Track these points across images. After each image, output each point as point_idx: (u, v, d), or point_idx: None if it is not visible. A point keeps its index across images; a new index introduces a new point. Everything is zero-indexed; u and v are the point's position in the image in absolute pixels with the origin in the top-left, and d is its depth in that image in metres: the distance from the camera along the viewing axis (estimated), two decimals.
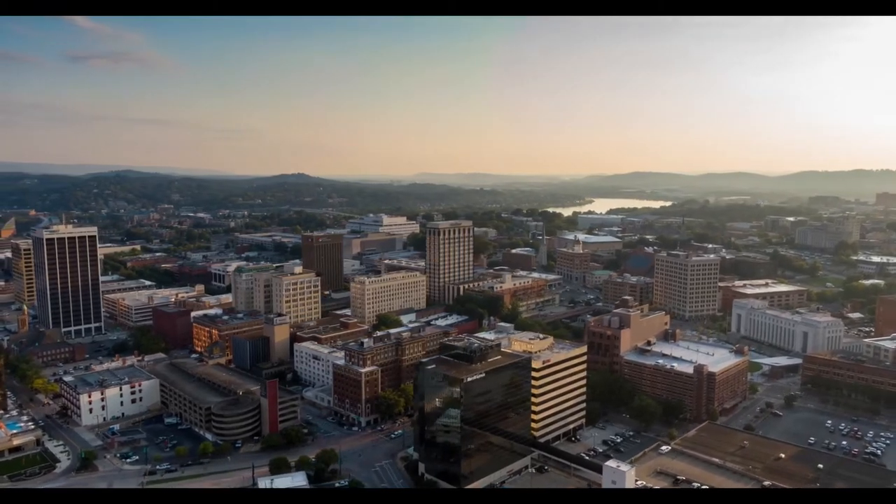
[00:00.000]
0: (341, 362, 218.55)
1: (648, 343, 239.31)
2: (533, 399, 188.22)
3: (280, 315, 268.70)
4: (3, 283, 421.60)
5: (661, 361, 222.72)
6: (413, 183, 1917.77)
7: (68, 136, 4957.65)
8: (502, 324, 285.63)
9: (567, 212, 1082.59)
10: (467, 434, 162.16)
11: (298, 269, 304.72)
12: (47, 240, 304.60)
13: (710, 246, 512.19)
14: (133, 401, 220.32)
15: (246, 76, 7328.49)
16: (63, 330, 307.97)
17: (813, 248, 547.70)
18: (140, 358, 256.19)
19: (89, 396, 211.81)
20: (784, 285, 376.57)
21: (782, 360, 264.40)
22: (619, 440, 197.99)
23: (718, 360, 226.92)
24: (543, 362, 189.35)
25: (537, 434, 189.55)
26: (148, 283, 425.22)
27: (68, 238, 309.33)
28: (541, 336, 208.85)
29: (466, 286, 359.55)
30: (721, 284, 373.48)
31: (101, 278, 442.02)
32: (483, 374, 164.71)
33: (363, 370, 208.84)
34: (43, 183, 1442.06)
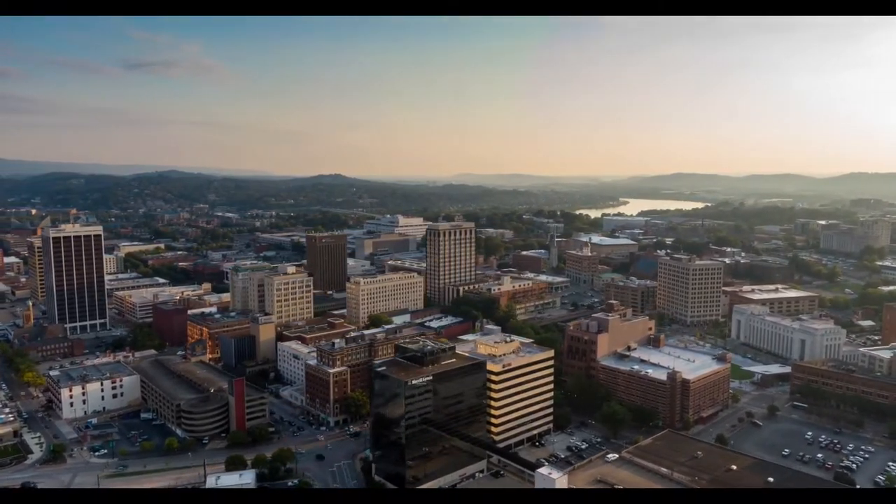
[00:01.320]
0: (313, 362, 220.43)
1: (629, 348, 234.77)
2: (493, 403, 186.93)
3: (266, 314, 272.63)
4: (24, 280, 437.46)
5: (636, 367, 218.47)
6: (448, 184, 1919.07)
7: (121, 138, 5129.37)
8: (490, 326, 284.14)
9: (596, 213, 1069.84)
10: (412, 436, 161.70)
11: (292, 270, 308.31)
12: (53, 238, 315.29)
13: (729, 249, 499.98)
14: (114, 396, 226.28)
15: (292, 79, 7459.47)
16: (69, 325, 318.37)
17: (838, 253, 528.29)
18: (129, 355, 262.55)
19: (70, 391, 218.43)
20: (795, 291, 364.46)
21: (773, 369, 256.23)
22: (584, 446, 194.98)
23: (698, 367, 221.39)
24: (503, 366, 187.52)
25: (498, 438, 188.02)
26: (162, 280, 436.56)
27: (74, 237, 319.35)
28: (508, 339, 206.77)
29: (466, 288, 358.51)
30: (728, 289, 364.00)
31: (120, 276, 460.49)
32: (430, 377, 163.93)
33: (332, 370, 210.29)
34: (89, 183, 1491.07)
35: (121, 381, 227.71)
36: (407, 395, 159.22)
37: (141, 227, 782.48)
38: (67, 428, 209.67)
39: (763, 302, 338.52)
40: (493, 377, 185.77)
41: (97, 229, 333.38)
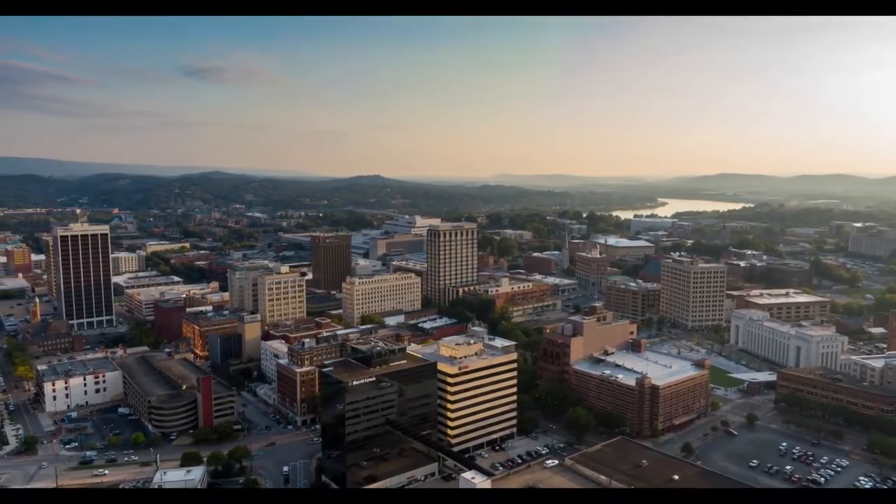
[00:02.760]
0: (285, 361, 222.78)
1: (606, 352, 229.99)
2: (448, 405, 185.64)
3: (253, 313, 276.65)
4: (46, 277, 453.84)
5: (607, 372, 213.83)
6: (485, 185, 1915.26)
7: (171, 141, 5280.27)
8: (476, 328, 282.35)
9: (629, 214, 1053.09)
10: (355, 437, 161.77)
11: (285, 270, 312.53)
12: (61, 237, 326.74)
13: (749, 252, 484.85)
14: (97, 391, 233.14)
15: (337, 81, 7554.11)
16: (76, 322, 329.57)
17: (866, 257, 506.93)
18: (116, 350, 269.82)
19: (53, 385, 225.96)
20: (806, 296, 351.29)
21: (762, 376, 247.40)
22: (545, 451, 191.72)
23: (673, 373, 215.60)
24: (459, 368, 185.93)
25: (455, 441, 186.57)
26: (177, 279, 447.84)
27: (81, 236, 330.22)
28: (471, 341, 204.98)
29: (465, 289, 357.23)
30: (735, 293, 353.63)
31: (140, 274, 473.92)
32: (373, 378, 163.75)
33: (299, 370, 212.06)
34: (135, 183, 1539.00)
35: (103, 376, 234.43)
36: (348, 395, 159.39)
37: (173, 226, 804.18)
38: (48, 421, 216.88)
39: (770, 307, 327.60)
40: (449, 379, 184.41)
41: (103, 229, 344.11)
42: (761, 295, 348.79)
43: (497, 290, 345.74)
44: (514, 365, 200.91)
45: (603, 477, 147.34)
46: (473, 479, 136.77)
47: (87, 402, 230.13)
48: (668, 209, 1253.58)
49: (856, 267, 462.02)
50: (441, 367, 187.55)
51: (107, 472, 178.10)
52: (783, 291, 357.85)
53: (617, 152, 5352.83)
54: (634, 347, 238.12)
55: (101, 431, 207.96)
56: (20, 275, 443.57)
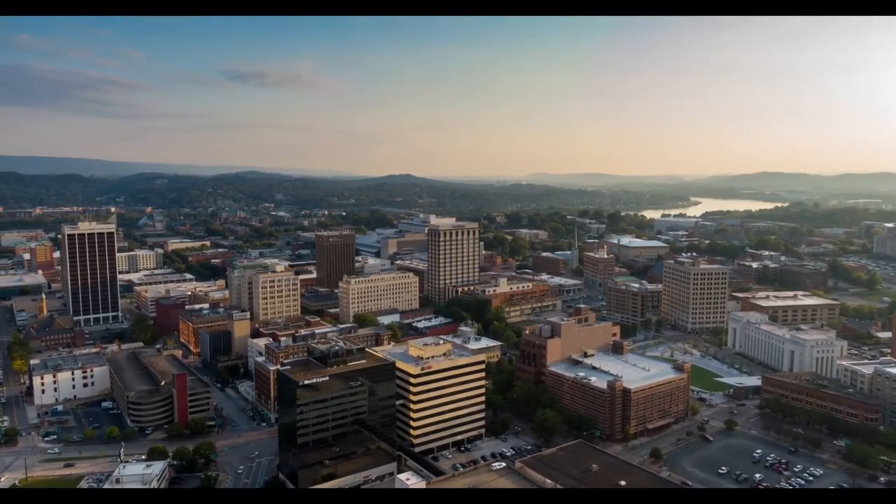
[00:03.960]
0: (261, 359, 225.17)
1: (585, 354, 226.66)
2: (411, 406, 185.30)
3: (243, 311, 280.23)
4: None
5: (582, 374, 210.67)
6: (516, 184, 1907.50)
7: (211, 141, 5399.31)
8: (464, 328, 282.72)
9: (656, 214, 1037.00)
10: (306, 436, 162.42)
11: (280, 268, 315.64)
12: (68, 235, 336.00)
13: (767, 253, 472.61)
14: (85, 385, 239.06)
15: (373, 82, 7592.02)
16: (82, 318, 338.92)
17: (891, 258, 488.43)
18: (106, 346, 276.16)
19: (42, 379, 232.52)
20: (815, 298, 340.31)
21: (748, 381, 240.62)
22: (510, 453, 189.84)
23: (651, 376, 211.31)
24: (422, 369, 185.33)
25: (417, 441, 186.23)
26: (189, 276, 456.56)
27: (88, 234, 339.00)
28: (441, 341, 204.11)
29: (464, 289, 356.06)
30: (740, 295, 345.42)
31: (156, 271, 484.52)
32: (325, 378, 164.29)
33: (272, 367, 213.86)
34: (172, 182, 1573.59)
35: (91, 371, 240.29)
36: (299, 394, 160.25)
37: (199, 224, 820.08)
38: (33, 413, 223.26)
39: (775, 309, 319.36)
40: (411, 379, 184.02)
41: (110, 227, 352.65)
42: (767, 297, 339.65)
43: (494, 291, 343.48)
44: (483, 366, 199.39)
45: (549, 481, 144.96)
46: (408, 481, 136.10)
47: (75, 396, 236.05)
48: (700, 209, 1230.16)
49: (877, 269, 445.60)
50: (404, 367, 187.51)
51: (74, 464, 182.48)
52: (791, 294, 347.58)
53: (655, 151, 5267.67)
54: (616, 349, 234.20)
55: (82, 425, 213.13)
56: (40, 271, 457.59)
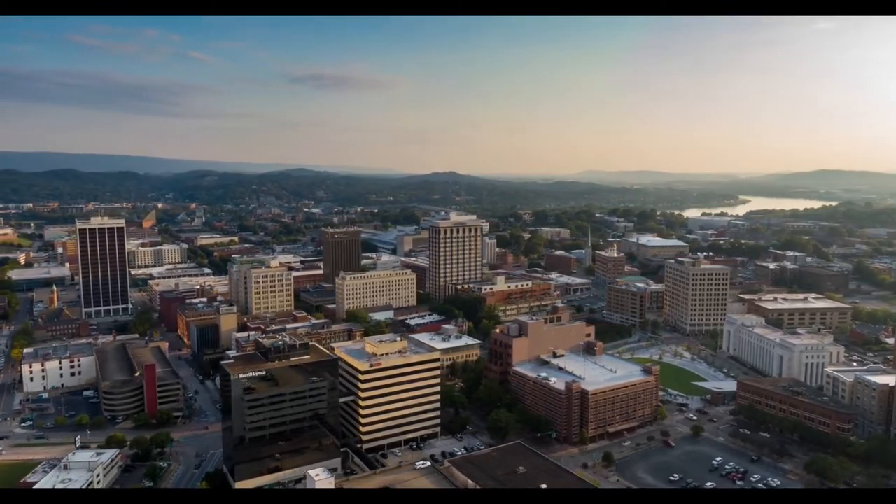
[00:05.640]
0: (233, 353, 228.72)
1: (554, 354, 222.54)
2: (360, 402, 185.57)
3: (230, 304, 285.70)
4: None
5: (543, 374, 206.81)
6: (561, 181, 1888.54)
7: (265, 140, 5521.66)
8: (446, 326, 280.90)
9: (697, 212, 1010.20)
10: (243, 429, 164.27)
11: (275, 264, 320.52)
12: (80, 230, 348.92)
13: (791, 254, 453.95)
14: (72, 374, 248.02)
15: (423, 80, 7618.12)
16: (93, 309, 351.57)
17: None
18: (108, 337, 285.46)
19: (30, 367, 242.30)
20: (827, 301, 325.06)
21: (726, 385, 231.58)
22: (461, 453, 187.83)
23: (616, 378, 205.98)
24: (371, 366, 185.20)
25: (366, 438, 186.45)
26: (208, 270, 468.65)
27: (98, 229, 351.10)
28: (398, 338, 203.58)
29: (461, 287, 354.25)
30: (747, 297, 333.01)
31: (179, 265, 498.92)
32: (262, 372, 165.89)
33: None
34: (221, 179, 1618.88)
35: (78, 360, 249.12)
36: (233, 387, 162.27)
37: (234, 221, 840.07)
38: (17, 400, 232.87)
39: (780, 312, 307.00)
40: (360, 376, 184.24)
41: (120, 222, 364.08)
42: (775, 299, 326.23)
43: (490, 289, 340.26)
44: (437, 364, 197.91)
45: (471, 482, 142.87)
46: (317, 477, 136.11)
47: (62, 385, 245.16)
48: (746, 208, 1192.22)
49: None
50: (353, 363, 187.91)
51: (37, 449, 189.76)
52: (801, 296, 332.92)
53: (709, 149, 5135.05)
54: (589, 350, 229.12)
55: (59, 412, 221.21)
56: (68, 265, 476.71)
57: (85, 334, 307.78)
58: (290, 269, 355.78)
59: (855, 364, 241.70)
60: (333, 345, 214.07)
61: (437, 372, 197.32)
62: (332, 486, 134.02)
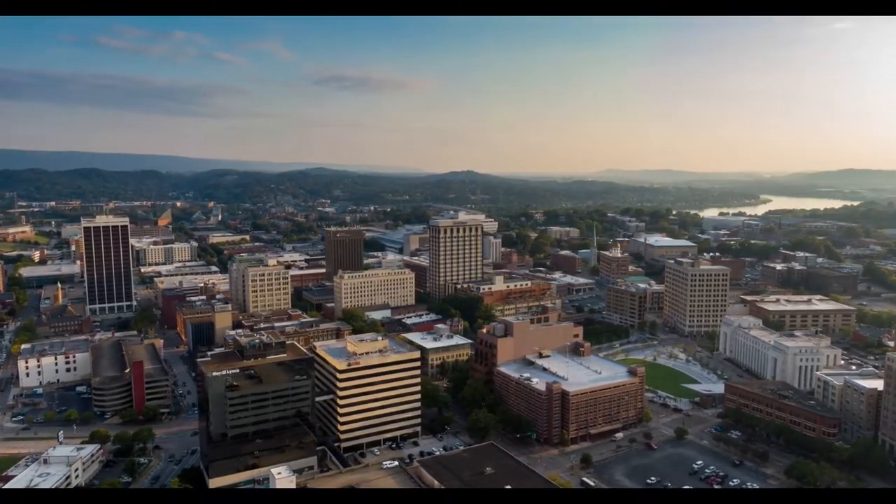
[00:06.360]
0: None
1: (540, 355, 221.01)
2: (338, 401, 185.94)
3: (225, 302, 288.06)
4: None
5: (526, 375, 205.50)
6: (579, 180, 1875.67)
7: (290, 140, 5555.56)
8: (439, 326, 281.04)
9: (714, 212, 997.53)
10: (217, 426, 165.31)
11: (272, 262, 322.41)
12: (85, 228, 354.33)
13: (800, 254, 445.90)
14: (67, 370, 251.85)
15: (454, 80, 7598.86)
16: (97, 306, 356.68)
17: None
18: (105, 334, 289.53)
19: (26, 363, 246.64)
20: (831, 303, 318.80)
21: (716, 388, 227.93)
22: (438, 453, 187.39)
23: (600, 379, 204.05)
24: (349, 364, 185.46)
25: (344, 437, 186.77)
26: (215, 269, 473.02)
27: (103, 227, 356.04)
28: (379, 338, 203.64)
29: (460, 286, 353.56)
30: (748, 298, 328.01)
31: (188, 263, 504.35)
32: (236, 370, 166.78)
33: None
34: (240, 178, 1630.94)
35: (74, 356, 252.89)
36: (208, 385, 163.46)
37: (248, 219, 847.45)
38: (11, 395, 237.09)
39: (782, 314, 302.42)
40: (338, 375, 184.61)
41: (124, 220, 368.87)
42: (777, 301, 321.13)
43: (489, 289, 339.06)
44: (417, 363, 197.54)
45: (437, 483, 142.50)
46: (279, 476, 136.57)
47: (58, 380, 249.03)
48: (767, 207, 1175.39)
49: None
50: (332, 362, 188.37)
51: (26, 444, 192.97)
52: (805, 298, 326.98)
53: (731, 149, 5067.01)
54: (576, 351, 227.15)
55: (50, 407, 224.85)
56: (79, 262, 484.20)
57: (87, 331, 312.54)
58: (288, 267, 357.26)
59: (853, 367, 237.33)
60: (316, 343, 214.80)
61: (417, 372, 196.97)
62: (293, 486, 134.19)
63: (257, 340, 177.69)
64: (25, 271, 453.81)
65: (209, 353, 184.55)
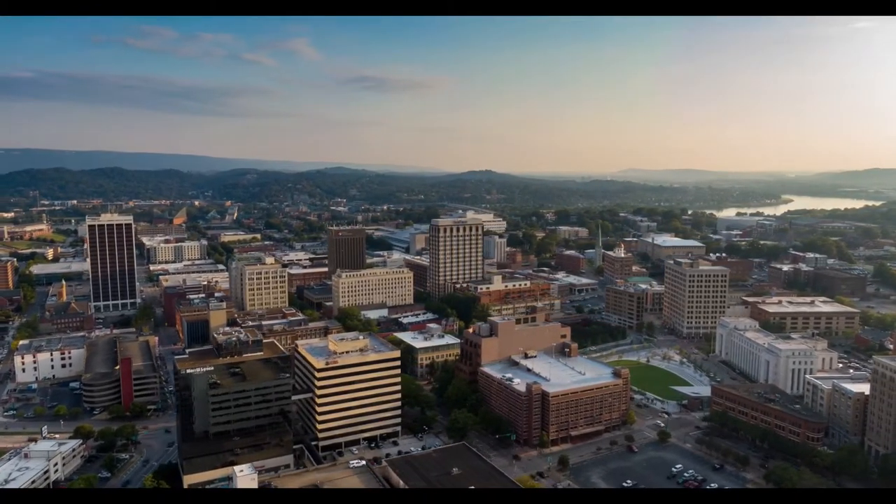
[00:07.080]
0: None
1: (526, 355, 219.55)
2: (316, 399, 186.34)
3: (220, 300, 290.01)
4: None
5: (508, 375, 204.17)
6: (597, 180, 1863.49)
7: (311, 139, 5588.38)
8: (431, 325, 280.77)
9: (732, 212, 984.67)
10: (193, 423, 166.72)
11: (270, 261, 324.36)
12: (90, 226, 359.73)
13: (809, 255, 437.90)
14: (63, 365, 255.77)
15: (474, 79, 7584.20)
16: (102, 304, 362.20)
17: None
18: (105, 330, 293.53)
19: (22, 358, 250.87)
20: (835, 305, 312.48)
21: (704, 391, 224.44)
22: (416, 452, 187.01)
23: (583, 380, 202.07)
24: (327, 363, 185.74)
25: (322, 435, 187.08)
26: (222, 267, 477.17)
27: (107, 225, 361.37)
28: (361, 337, 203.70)
29: (457, 286, 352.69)
30: (750, 300, 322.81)
31: (197, 261, 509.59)
32: (210, 367, 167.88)
33: None
34: (260, 178, 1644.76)
35: (69, 353, 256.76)
36: (182, 382, 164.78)
37: (262, 218, 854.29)
38: (5, 390, 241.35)
39: (783, 316, 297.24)
40: (316, 373, 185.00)
41: (128, 219, 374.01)
42: (779, 302, 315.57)
43: (487, 288, 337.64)
44: (398, 363, 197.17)
45: (402, 482, 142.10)
46: (240, 474, 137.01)
47: (53, 376, 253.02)
48: (787, 207, 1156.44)
49: None
50: (311, 360, 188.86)
51: (14, 438, 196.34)
52: (808, 299, 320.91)
53: (755, 148, 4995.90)
54: (562, 351, 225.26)
55: (42, 403, 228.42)
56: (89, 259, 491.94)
57: (89, 328, 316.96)
58: (286, 266, 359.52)
59: (851, 371, 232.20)
60: (298, 342, 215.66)
61: (398, 371, 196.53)
62: (255, 485, 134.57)
63: (234, 338, 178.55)
64: (36, 268, 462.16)
65: (189, 352, 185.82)
